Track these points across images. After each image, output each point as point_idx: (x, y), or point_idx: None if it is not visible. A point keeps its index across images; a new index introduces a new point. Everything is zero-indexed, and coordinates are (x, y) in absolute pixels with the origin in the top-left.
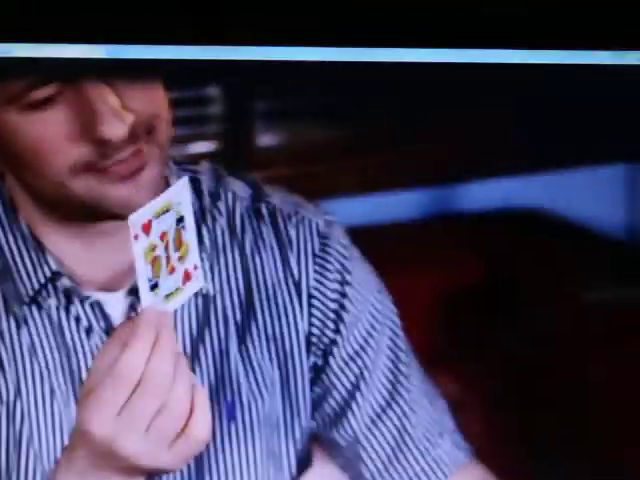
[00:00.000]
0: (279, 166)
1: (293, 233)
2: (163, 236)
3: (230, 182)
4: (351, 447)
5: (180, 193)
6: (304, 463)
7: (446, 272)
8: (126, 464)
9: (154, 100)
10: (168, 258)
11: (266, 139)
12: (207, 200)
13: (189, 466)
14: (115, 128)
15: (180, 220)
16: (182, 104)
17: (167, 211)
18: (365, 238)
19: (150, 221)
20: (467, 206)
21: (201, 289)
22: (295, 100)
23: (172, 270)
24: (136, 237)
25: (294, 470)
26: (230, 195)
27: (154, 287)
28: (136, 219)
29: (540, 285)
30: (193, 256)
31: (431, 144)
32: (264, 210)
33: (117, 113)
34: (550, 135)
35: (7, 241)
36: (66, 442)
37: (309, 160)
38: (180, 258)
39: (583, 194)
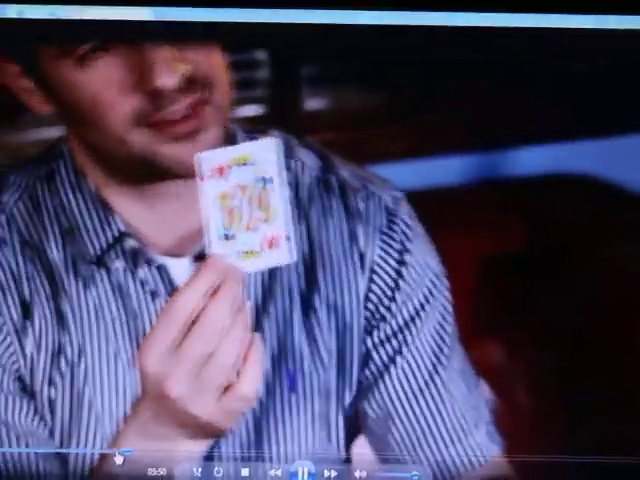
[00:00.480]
0: (326, 131)
1: (362, 206)
2: (243, 189)
3: (300, 152)
4: (382, 422)
5: (265, 152)
6: (351, 433)
7: (493, 238)
8: (177, 411)
9: (210, 55)
10: (248, 214)
11: (313, 104)
12: None
13: (248, 433)
14: (167, 77)
15: (266, 180)
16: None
17: (245, 164)
18: (411, 203)
19: (225, 167)
20: (514, 172)
21: None
22: (342, 65)
23: (251, 228)
24: (202, 178)
25: (342, 440)
26: (299, 165)
27: (227, 237)
28: (204, 160)
29: (586, 251)
30: (283, 223)
31: (478, 110)
32: (334, 182)
33: (169, 63)
34: (598, 101)
35: (75, 202)
36: (128, 403)
37: (355, 125)
38: (265, 220)
39: (630, 161)
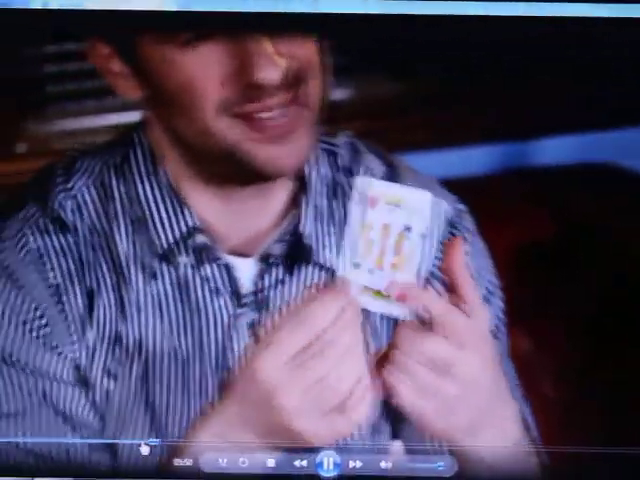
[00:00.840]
0: (351, 120)
1: None
2: (386, 228)
3: (366, 158)
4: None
5: (419, 203)
6: (397, 432)
7: (518, 228)
8: (277, 419)
9: (305, 49)
10: (382, 252)
11: (338, 93)
12: (341, 175)
13: None
14: (269, 72)
15: (408, 229)
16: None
17: (397, 206)
18: None
19: (378, 200)
20: (540, 161)
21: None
22: (367, 54)
23: (379, 266)
24: (360, 202)
25: (387, 438)
26: (363, 171)
27: (356, 266)
28: (367, 184)
29: (613, 240)
30: (411, 274)
31: (503, 100)
32: None
33: (271, 57)
34: (624, 90)
35: (150, 191)
36: (183, 399)
37: (381, 115)
38: (394, 265)
39: None
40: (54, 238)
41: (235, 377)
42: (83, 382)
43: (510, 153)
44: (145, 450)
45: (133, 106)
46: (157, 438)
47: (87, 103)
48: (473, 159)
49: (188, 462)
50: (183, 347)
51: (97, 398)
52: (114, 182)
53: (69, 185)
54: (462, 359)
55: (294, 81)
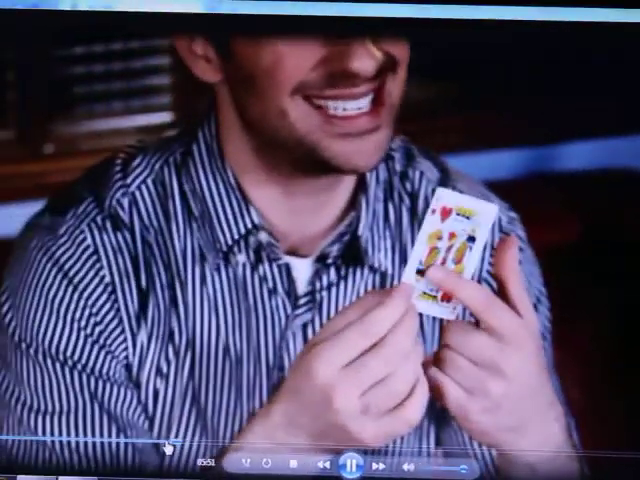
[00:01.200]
0: None
1: None
2: (452, 236)
3: (420, 162)
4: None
5: (486, 215)
6: (442, 438)
7: (545, 232)
8: (329, 422)
9: (398, 46)
10: (444, 260)
11: None
12: (397, 179)
13: None
14: (365, 62)
15: (471, 239)
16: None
17: (467, 217)
18: None
19: (451, 211)
20: (568, 166)
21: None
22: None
23: None
24: (434, 212)
25: (432, 444)
26: (417, 175)
27: (419, 272)
28: (443, 196)
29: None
30: None
31: (531, 104)
32: None
33: (369, 48)
34: None
35: (210, 189)
36: (231, 401)
37: (409, 118)
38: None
39: None
40: (110, 235)
41: (289, 378)
42: (133, 382)
43: (536, 157)
44: (169, 450)
45: (160, 108)
46: (205, 438)
47: (115, 104)
48: (500, 163)
49: (211, 462)
50: (237, 347)
51: (145, 398)
52: (174, 179)
53: (127, 181)
54: (508, 356)
55: (382, 76)
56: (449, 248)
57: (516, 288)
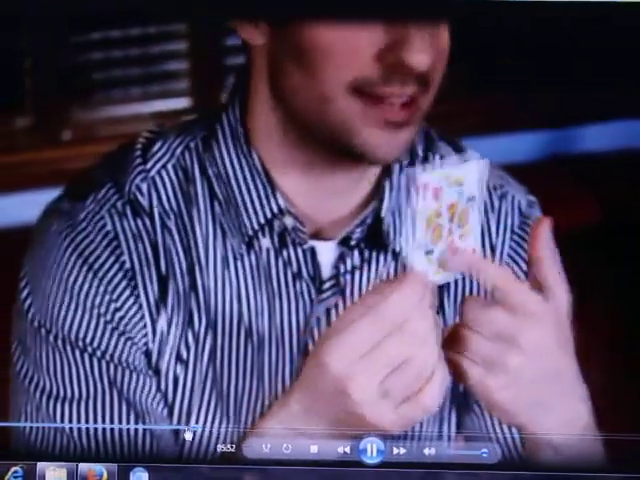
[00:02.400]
0: None
1: (497, 204)
2: (451, 208)
3: (440, 146)
4: (481, 414)
5: (474, 173)
6: (463, 423)
7: (566, 214)
8: (347, 411)
9: (443, 39)
10: (450, 230)
11: None
12: (418, 163)
13: None
14: (422, 57)
15: (471, 199)
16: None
17: (460, 185)
18: None
19: (442, 188)
20: (588, 147)
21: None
22: None
23: (449, 245)
24: (417, 192)
25: (453, 430)
26: (437, 159)
27: (429, 253)
28: (425, 179)
29: None
30: (473, 238)
31: (552, 86)
32: None
33: (427, 43)
34: None
35: (236, 172)
36: (253, 386)
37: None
38: (461, 236)
39: None
40: (131, 221)
41: (306, 369)
42: (152, 368)
43: (556, 139)
44: (189, 436)
45: (178, 93)
46: (226, 424)
47: (133, 90)
48: (518, 146)
49: (231, 448)
50: (260, 331)
51: (165, 385)
52: (196, 163)
53: (147, 166)
54: (525, 330)
55: (432, 71)
56: (451, 218)
57: (551, 268)
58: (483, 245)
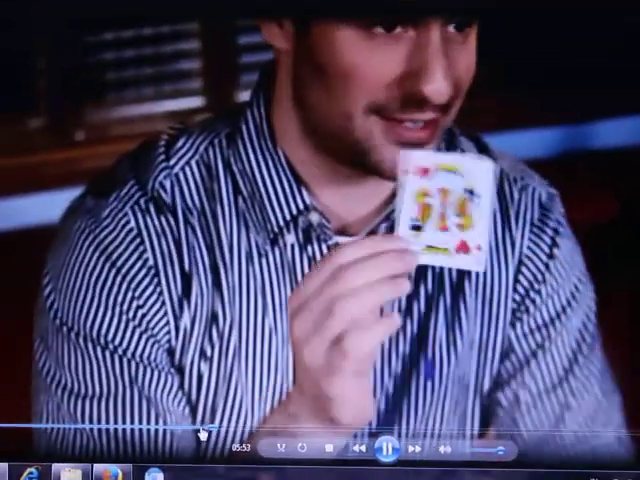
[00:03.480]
0: None
1: (517, 197)
2: (444, 192)
3: (461, 141)
4: (510, 411)
5: (479, 171)
6: (487, 421)
7: (583, 209)
8: (304, 375)
9: (469, 71)
10: (443, 215)
11: None
12: None
13: (378, 415)
14: (438, 90)
15: (471, 192)
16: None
17: (454, 172)
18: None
19: (431, 169)
20: (604, 143)
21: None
22: None
23: (444, 228)
24: (406, 172)
25: (477, 427)
26: (459, 154)
27: (416, 228)
28: (410, 157)
29: None
30: (478, 234)
31: (568, 82)
32: None
33: (446, 75)
34: None
35: (261, 169)
36: (278, 382)
37: None
38: (460, 226)
39: None
40: (154, 218)
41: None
42: (175, 367)
43: (573, 135)
44: (203, 435)
45: (191, 92)
46: (251, 421)
47: (145, 90)
48: (537, 142)
49: (246, 447)
50: (284, 328)
51: (189, 383)
52: (220, 160)
53: (170, 163)
54: None
55: (452, 100)
56: (445, 203)
57: None
58: (504, 239)
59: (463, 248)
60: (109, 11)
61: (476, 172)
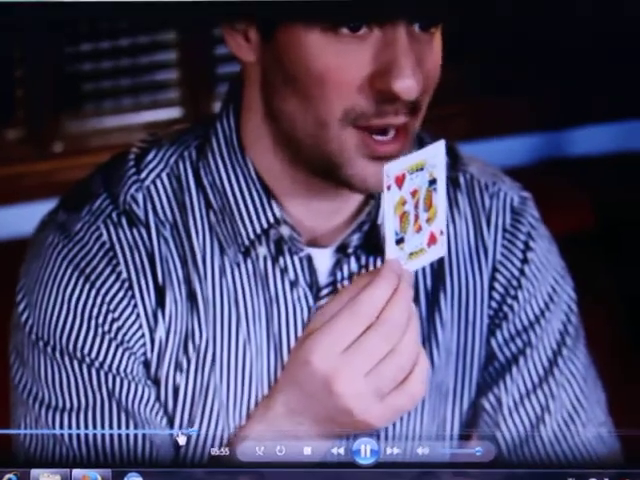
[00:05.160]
0: None
1: (488, 203)
2: (414, 193)
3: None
4: (493, 415)
5: (436, 155)
6: (468, 426)
7: (560, 217)
8: (335, 408)
9: (436, 69)
10: (416, 216)
11: None
12: None
13: None
14: (408, 85)
15: (433, 182)
16: None
17: (421, 169)
18: None
19: (404, 175)
20: (580, 150)
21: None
22: None
23: (419, 229)
24: (389, 188)
25: (455, 437)
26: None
27: (399, 241)
28: (391, 170)
29: None
30: (440, 220)
31: (544, 88)
32: (461, 179)
33: (414, 71)
34: None
35: (231, 182)
36: (253, 392)
37: None
38: (428, 220)
39: None
40: (126, 231)
41: (287, 368)
42: (151, 379)
43: (548, 143)
44: (182, 440)
45: (169, 103)
46: (226, 431)
47: (123, 101)
48: (513, 149)
49: (225, 452)
50: (258, 338)
51: (165, 394)
52: (190, 172)
53: (142, 176)
54: None
55: (421, 97)
56: (416, 204)
57: None
58: (477, 247)
59: (432, 240)
60: (87, 22)
61: (434, 158)
